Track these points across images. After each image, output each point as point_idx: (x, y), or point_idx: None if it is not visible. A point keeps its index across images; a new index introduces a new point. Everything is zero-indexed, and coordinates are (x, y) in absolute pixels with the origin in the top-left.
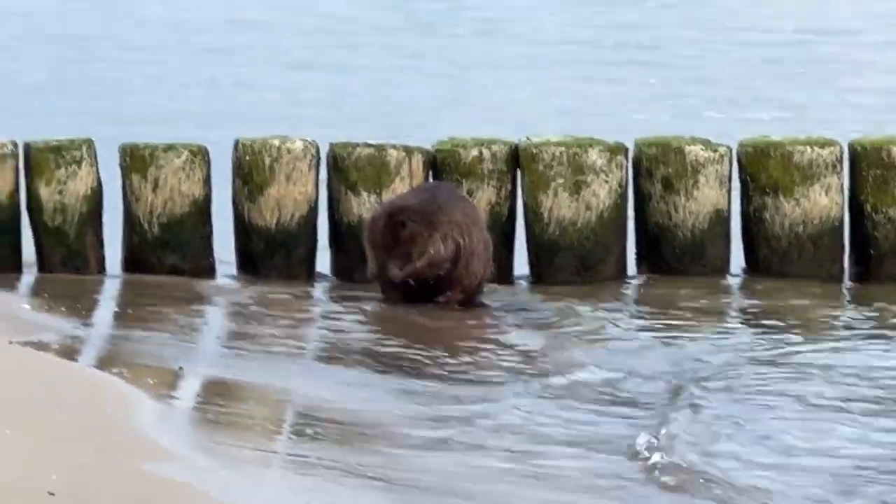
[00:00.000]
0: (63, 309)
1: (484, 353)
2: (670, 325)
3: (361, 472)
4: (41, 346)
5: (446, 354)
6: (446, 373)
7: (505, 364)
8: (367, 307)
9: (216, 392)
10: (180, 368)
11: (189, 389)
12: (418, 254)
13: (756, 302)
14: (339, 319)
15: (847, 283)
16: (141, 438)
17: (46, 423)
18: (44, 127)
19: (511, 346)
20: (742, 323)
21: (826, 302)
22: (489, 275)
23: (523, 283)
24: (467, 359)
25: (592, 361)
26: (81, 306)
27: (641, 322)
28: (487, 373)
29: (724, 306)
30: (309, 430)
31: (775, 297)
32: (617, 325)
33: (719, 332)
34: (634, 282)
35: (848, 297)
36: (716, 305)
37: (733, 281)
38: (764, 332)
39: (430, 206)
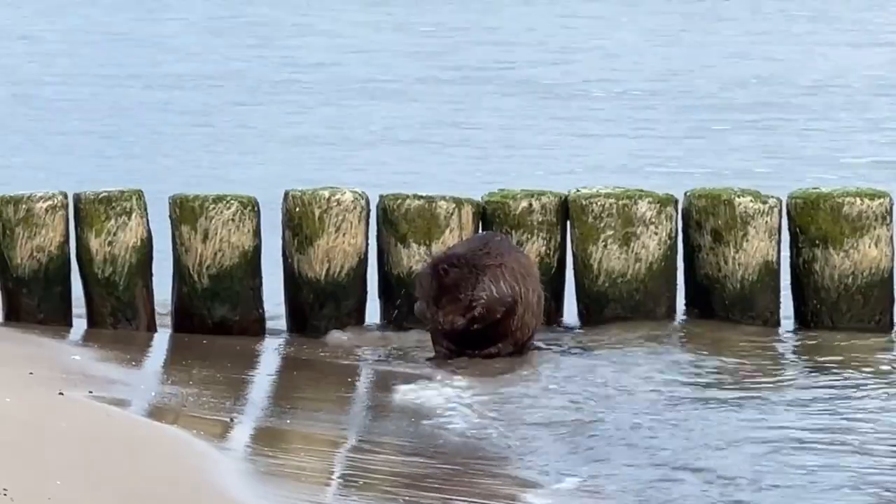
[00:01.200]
0: (113, 360)
1: None
2: None
3: None
4: (93, 398)
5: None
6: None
7: None
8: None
9: (270, 442)
10: (231, 419)
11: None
12: (466, 298)
13: None
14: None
15: None
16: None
17: (112, 477)
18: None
19: None
20: None
21: None
22: (539, 327)
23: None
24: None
25: None
26: (131, 357)
27: None
28: None
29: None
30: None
31: None
32: None
33: None
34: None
35: None
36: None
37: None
38: None
39: (478, 252)
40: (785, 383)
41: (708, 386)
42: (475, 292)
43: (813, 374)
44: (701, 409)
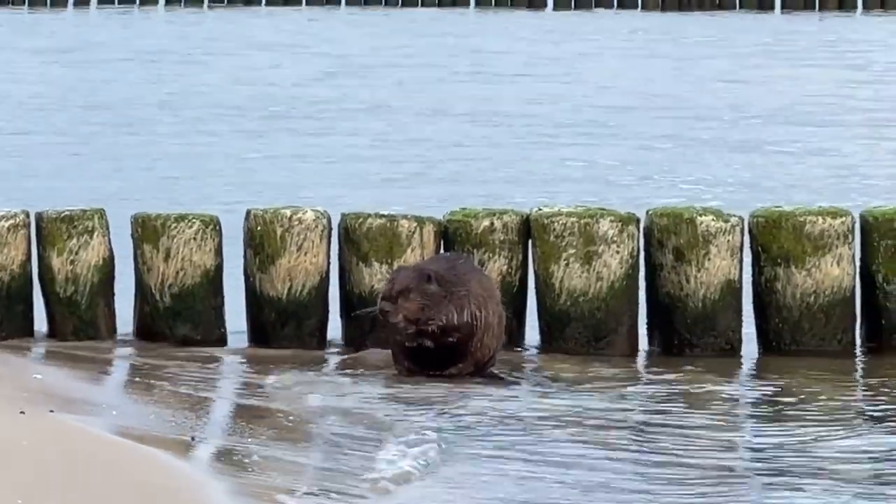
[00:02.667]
0: (75, 378)
1: None
2: None
3: None
4: (56, 417)
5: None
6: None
7: None
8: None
9: (230, 461)
10: (193, 439)
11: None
12: (426, 313)
13: None
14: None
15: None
16: None
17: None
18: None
19: None
20: None
21: None
22: (500, 347)
23: (534, 353)
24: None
25: None
26: (93, 375)
27: None
28: None
29: None
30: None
31: None
32: None
33: None
34: None
35: None
36: None
37: None
38: None
39: (450, 274)
40: None
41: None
42: (437, 313)
43: None
44: None
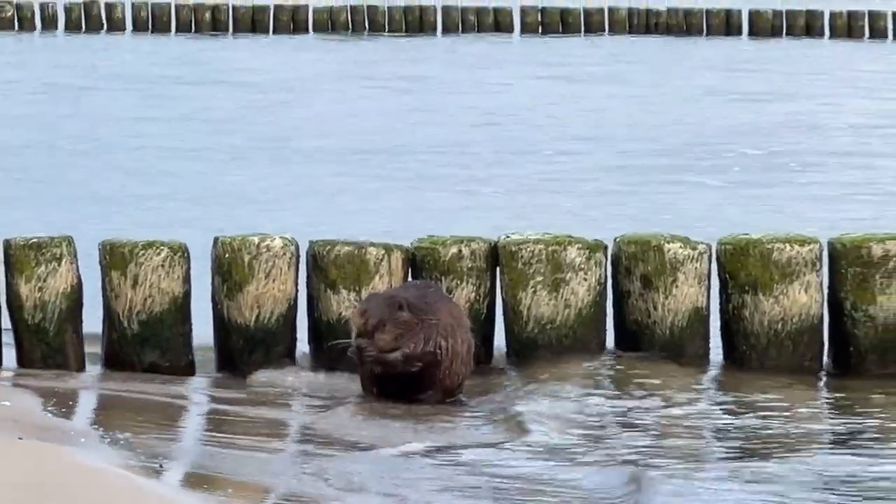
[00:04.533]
0: (44, 406)
1: None
2: None
3: None
4: (24, 444)
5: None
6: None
7: None
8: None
9: (198, 487)
10: (160, 466)
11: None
12: (399, 340)
13: None
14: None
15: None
16: None
17: None
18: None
19: None
20: None
21: None
22: (469, 375)
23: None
24: None
25: None
26: (62, 402)
27: None
28: None
29: None
30: None
31: None
32: None
33: None
34: None
35: None
36: None
37: None
38: None
39: (421, 303)
40: None
41: None
42: (406, 341)
43: None
44: None
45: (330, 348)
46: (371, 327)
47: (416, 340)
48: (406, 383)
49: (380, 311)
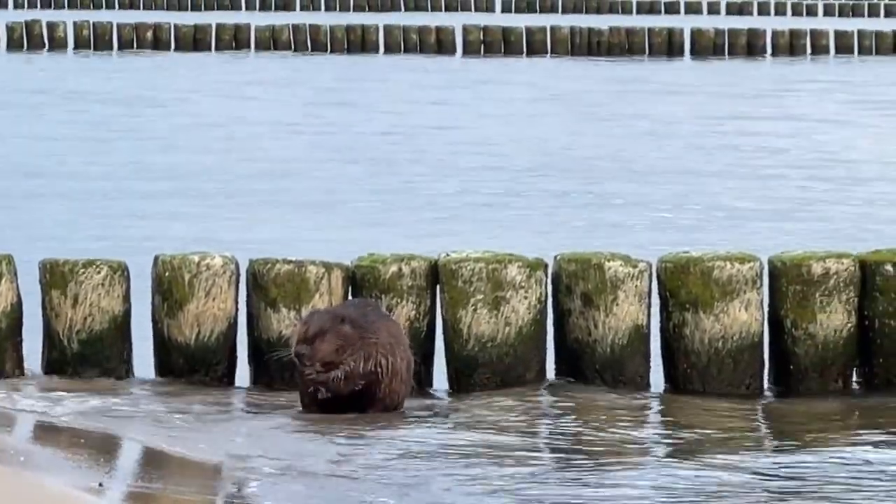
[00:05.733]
0: None
1: None
2: None
3: None
4: None
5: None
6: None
7: None
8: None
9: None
10: (100, 485)
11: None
12: (339, 357)
13: None
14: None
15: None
16: None
17: None
18: None
19: None
20: None
21: None
22: (409, 393)
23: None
24: None
25: None
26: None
27: None
28: None
29: None
30: None
31: None
32: None
33: None
34: None
35: None
36: None
37: None
38: None
39: (362, 321)
40: None
41: None
42: (350, 356)
43: None
44: None
45: (268, 362)
46: (312, 335)
47: (356, 358)
48: (346, 400)
49: (322, 321)
